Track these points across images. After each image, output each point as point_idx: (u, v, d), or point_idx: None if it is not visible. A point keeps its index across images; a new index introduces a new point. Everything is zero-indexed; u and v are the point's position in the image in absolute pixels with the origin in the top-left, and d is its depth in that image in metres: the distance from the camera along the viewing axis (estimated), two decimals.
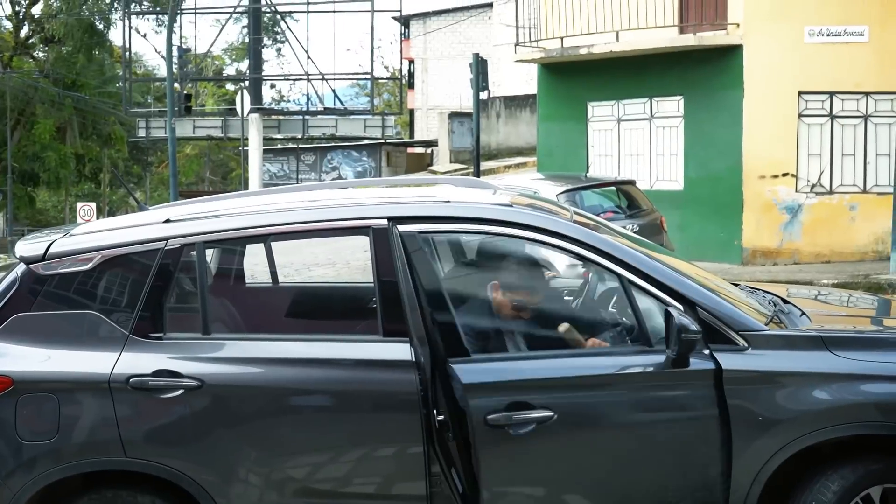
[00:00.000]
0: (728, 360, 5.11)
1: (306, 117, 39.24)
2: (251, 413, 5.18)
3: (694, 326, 4.93)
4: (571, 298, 6.48)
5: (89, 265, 5.42)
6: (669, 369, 5.03)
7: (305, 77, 40.23)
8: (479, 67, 25.00)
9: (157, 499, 5.27)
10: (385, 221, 5.33)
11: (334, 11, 39.40)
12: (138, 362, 5.21)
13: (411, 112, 61.26)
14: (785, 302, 6.11)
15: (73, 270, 5.43)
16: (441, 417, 5.09)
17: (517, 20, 23.33)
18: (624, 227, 15.25)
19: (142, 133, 40.90)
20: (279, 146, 53.26)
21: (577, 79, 22.84)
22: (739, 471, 5.08)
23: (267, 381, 5.19)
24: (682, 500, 5.15)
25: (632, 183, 17.45)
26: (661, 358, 5.09)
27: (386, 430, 5.19)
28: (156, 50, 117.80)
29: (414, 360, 5.08)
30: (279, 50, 67.97)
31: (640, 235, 15.42)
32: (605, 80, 22.18)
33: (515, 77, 45.32)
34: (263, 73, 42.62)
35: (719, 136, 20.25)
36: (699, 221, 20.44)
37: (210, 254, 5.63)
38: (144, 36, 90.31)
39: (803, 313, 5.85)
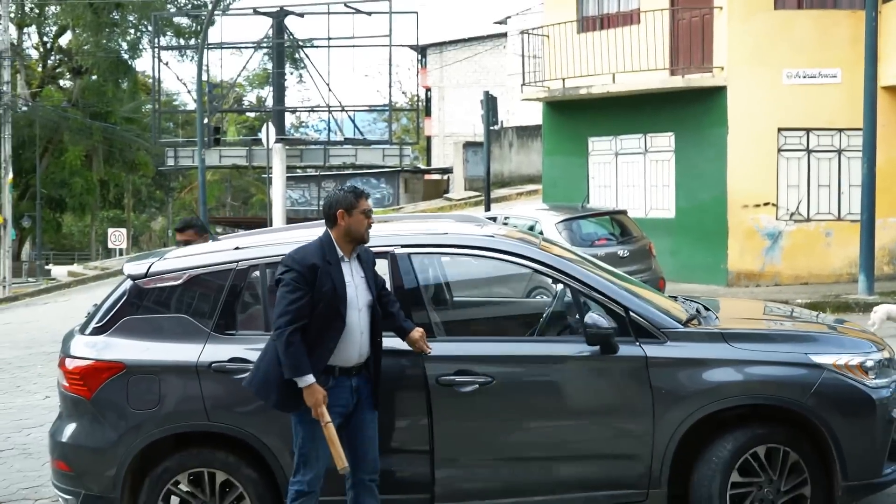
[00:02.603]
0: (651, 350, 6.96)
1: (327, 147, 40.91)
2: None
3: (606, 324, 6.77)
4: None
5: (180, 281, 7.34)
6: (603, 354, 6.88)
7: (326, 109, 41.96)
8: (490, 104, 26.65)
9: (230, 455, 7.11)
10: (401, 248, 7.23)
11: (354, 46, 40.98)
12: (217, 352, 7.09)
13: (428, 139, 62.23)
14: (707, 309, 7.95)
15: (167, 285, 7.35)
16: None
17: (523, 63, 24.97)
18: (616, 252, 17.21)
19: (170, 162, 42.53)
20: (300, 174, 54.99)
21: (579, 116, 24.37)
22: (659, 431, 6.89)
23: None
24: (606, 450, 6.97)
25: (623, 212, 19.13)
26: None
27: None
28: (178, 77, 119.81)
29: None
30: (300, 76, 69.71)
31: (630, 259, 17.40)
32: (603, 117, 23.65)
33: (529, 105, 46.84)
34: (286, 104, 44.31)
35: (706, 169, 21.62)
36: (688, 247, 21.85)
37: (268, 272, 7.48)
38: (166, 64, 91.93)
39: (716, 317, 7.71)
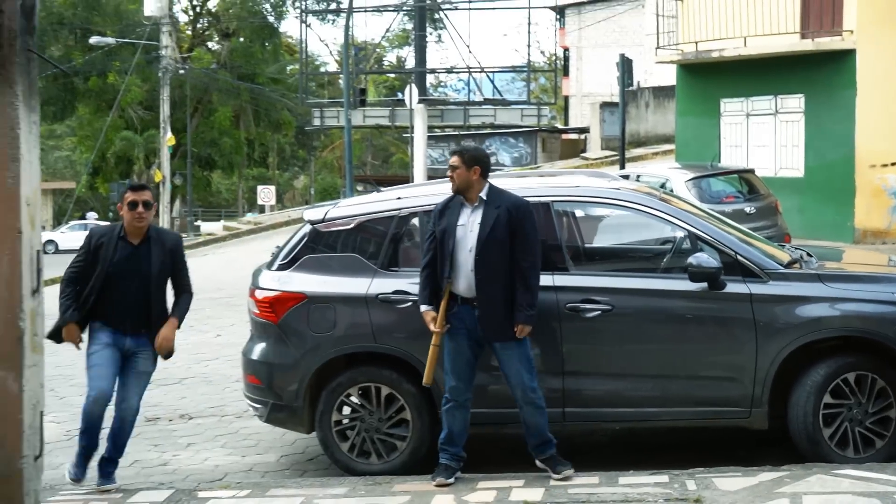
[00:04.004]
0: (755, 288, 8.03)
1: (467, 107, 42.18)
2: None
3: (710, 264, 7.87)
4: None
5: (351, 225, 8.67)
6: (711, 290, 7.99)
7: (467, 70, 43.18)
8: (625, 66, 27.52)
9: (393, 372, 8.42)
10: (547, 199, 8.42)
11: (493, 8, 42.06)
12: (383, 285, 8.41)
13: (566, 99, 62.62)
14: (809, 256, 8.99)
15: (341, 229, 8.70)
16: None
17: (657, 27, 25.84)
18: (743, 209, 18.05)
19: (316, 122, 44.25)
20: (439, 133, 56.31)
21: (711, 78, 25.15)
22: (761, 358, 7.97)
23: None
24: (715, 373, 8.09)
25: (751, 171, 19.91)
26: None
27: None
28: (320, 39, 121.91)
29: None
30: (439, 37, 71.00)
31: (756, 216, 18.25)
32: (735, 79, 24.38)
33: (665, 66, 47.13)
34: (426, 64, 45.61)
35: (835, 130, 22.21)
36: (816, 205, 22.52)
37: (425, 218, 8.73)
38: (309, 26, 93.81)
39: (817, 262, 8.75)
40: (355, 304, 8.39)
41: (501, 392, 7.98)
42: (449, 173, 7.86)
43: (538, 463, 7.84)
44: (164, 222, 45.06)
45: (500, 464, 8.19)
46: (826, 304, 8.04)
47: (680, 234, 8.57)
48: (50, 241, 52.11)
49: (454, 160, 7.83)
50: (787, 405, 8.03)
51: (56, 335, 8.02)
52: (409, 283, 8.33)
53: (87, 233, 8.48)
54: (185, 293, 8.31)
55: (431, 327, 7.77)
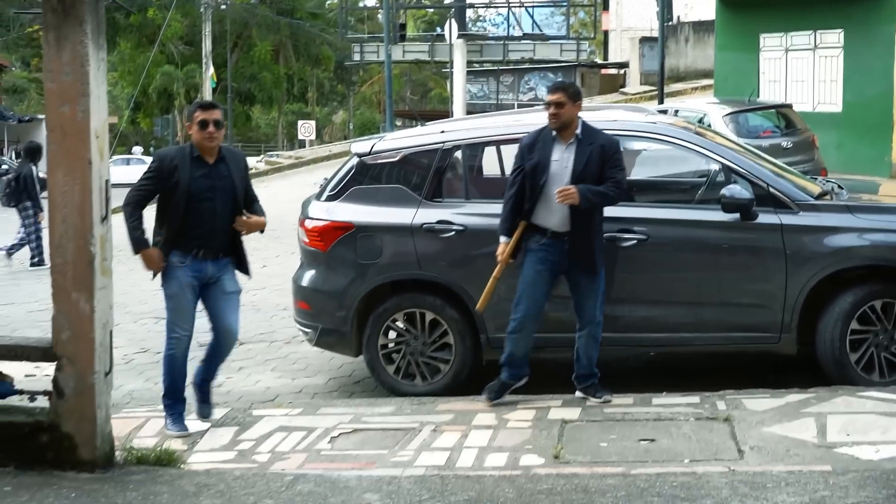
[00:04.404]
0: (786, 218, 8.33)
1: (506, 42, 42.18)
2: (492, 245, 8.57)
3: (743, 195, 8.15)
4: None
5: (397, 158, 9.02)
6: (743, 220, 8.29)
7: (506, 4, 43.17)
8: (664, 1, 27.67)
9: (437, 298, 8.80)
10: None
11: None
12: (427, 215, 8.77)
13: (605, 34, 62.43)
14: (840, 188, 9.27)
15: (387, 161, 9.05)
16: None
17: None
18: (780, 144, 18.25)
19: (356, 57, 44.36)
20: (478, 68, 56.31)
21: (750, 13, 25.22)
22: (791, 286, 8.29)
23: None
24: (746, 300, 8.41)
25: (789, 106, 20.10)
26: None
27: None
28: None
29: None
30: None
31: (793, 150, 18.44)
32: (774, 14, 24.45)
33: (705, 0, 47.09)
34: (467, 1, 45.65)
35: (874, 65, 22.27)
36: (854, 140, 22.65)
37: (468, 151, 9.09)
38: None
39: (847, 194, 9.04)
40: (401, 233, 8.75)
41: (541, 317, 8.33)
42: (552, 110, 7.86)
43: (578, 392, 8.17)
44: None
45: (541, 386, 8.55)
46: (854, 235, 8.34)
47: (714, 166, 8.88)
48: None
49: (558, 96, 7.86)
50: (815, 331, 8.35)
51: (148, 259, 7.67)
52: (452, 213, 8.71)
53: (150, 159, 8.43)
54: (256, 202, 8.05)
55: (501, 259, 7.98)
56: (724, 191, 8.28)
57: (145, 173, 7.80)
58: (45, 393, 6.69)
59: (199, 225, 7.60)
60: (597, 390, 8.08)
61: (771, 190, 8.43)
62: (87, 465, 6.55)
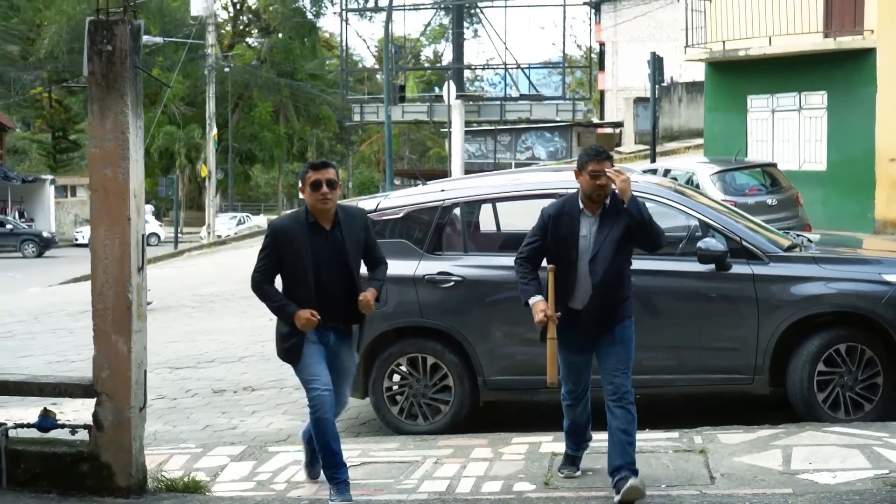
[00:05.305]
0: (757, 269, 9.10)
1: (504, 102, 43.25)
2: (488, 295, 9.39)
3: (717, 247, 8.91)
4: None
5: (400, 214, 9.80)
6: (718, 271, 9.06)
7: (503, 66, 44.26)
8: (656, 64, 28.58)
9: (438, 344, 9.54)
10: (565, 191, 9.50)
11: (529, 6, 43.05)
12: (429, 267, 9.53)
13: (601, 93, 63.16)
14: (810, 241, 10.05)
15: (391, 217, 9.83)
16: None
17: (686, 27, 26.81)
18: (766, 201, 18.92)
19: (356, 117, 45.48)
20: (477, 128, 57.31)
21: (738, 75, 26.04)
22: (763, 331, 9.03)
23: (496, 276, 9.40)
24: (722, 344, 9.15)
25: (773, 165, 20.84)
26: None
27: None
28: (357, 34, 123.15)
29: None
30: (475, 31, 72.04)
31: (778, 207, 19.16)
32: (761, 77, 25.25)
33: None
34: (464, 59, 46.68)
35: (856, 125, 23.08)
36: (838, 197, 23.39)
37: (466, 209, 9.88)
38: (348, 22, 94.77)
39: (815, 247, 9.81)
40: (404, 283, 9.50)
41: (533, 361, 9.03)
42: (601, 181, 7.19)
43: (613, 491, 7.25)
44: (211, 216, 46.31)
45: (534, 424, 9.24)
46: (820, 283, 9.10)
47: (693, 222, 9.65)
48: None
49: (607, 166, 7.24)
50: (786, 373, 9.08)
51: (287, 340, 7.32)
52: (451, 265, 9.49)
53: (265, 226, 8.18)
54: (382, 264, 7.71)
55: (542, 316, 7.26)
56: (700, 244, 9.05)
57: (262, 248, 7.38)
58: (84, 426, 7.43)
59: (313, 299, 7.20)
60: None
61: (744, 243, 9.20)
62: (123, 491, 7.29)
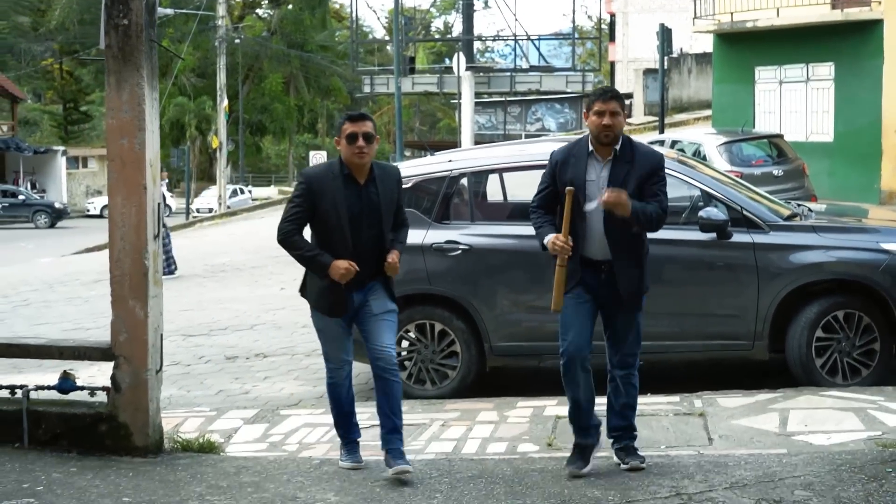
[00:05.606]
0: (757, 238, 9.32)
1: (513, 74, 43.32)
2: (494, 263, 9.63)
3: (719, 217, 9.12)
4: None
5: (409, 184, 9.96)
6: (719, 239, 9.27)
7: (513, 38, 44.32)
8: (665, 36, 28.70)
9: (445, 310, 9.78)
10: None
11: None
12: (436, 236, 9.75)
13: (612, 65, 63.30)
14: (810, 210, 10.26)
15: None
16: None
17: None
18: (772, 172, 19.13)
19: (366, 89, 45.58)
20: (486, 99, 57.42)
21: (746, 47, 26.30)
22: (763, 298, 9.25)
23: (502, 245, 9.64)
24: (723, 311, 9.37)
25: (780, 136, 21.07)
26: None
27: None
28: (367, 5, 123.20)
29: None
30: (486, 2, 72.09)
31: (784, 178, 19.36)
32: (769, 48, 25.53)
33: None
34: (475, 32, 46.75)
35: (863, 97, 23.36)
36: (845, 168, 23.68)
37: (473, 178, 10.10)
38: None
39: (815, 216, 10.02)
40: (412, 252, 9.59)
41: (538, 328, 9.27)
42: (605, 120, 6.78)
43: (612, 451, 7.30)
44: (222, 186, 46.57)
45: (539, 389, 9.48)
46: (819, 252, 9.30)
47: (695, 192, 9.86)
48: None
49: (615, 105, 6.85)
50: (785, 339, 9.31)
51: (331, 294, 7.02)
52: (458, 233, 9.71)
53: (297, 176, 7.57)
54: (405, 226, 7.37)
55: (559, 243, 6.78)
56: (701, 213, 9.26)
57: (292, 196, 7.12)
58: (103, 388, 7.69)
59: (344, 252, 6.92)
60: (630, 452, 7.15)
61: (744, 212, 9.41)
62: (140, 450, 7.55)
